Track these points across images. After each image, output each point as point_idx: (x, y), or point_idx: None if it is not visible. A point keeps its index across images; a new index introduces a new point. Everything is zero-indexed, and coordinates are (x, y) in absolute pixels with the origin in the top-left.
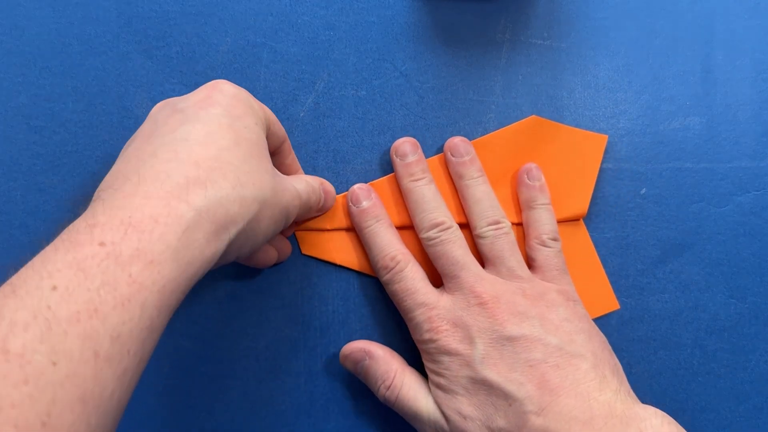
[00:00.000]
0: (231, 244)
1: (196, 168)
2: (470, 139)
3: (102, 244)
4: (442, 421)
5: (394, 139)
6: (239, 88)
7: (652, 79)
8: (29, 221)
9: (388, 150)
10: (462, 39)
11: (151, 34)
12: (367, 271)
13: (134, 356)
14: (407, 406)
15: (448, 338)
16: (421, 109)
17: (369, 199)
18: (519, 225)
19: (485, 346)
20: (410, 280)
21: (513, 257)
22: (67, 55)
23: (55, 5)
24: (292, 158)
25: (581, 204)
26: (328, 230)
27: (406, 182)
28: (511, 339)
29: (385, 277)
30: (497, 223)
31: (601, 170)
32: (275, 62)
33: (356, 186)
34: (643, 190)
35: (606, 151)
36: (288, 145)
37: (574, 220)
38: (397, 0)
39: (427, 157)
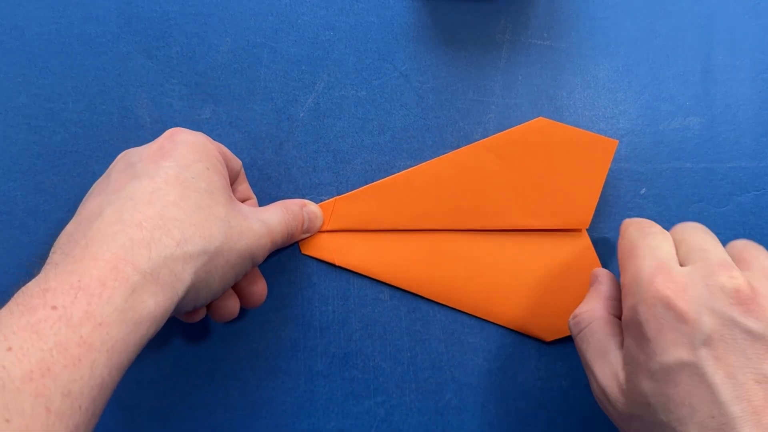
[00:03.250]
0: (182, 299)
1: (140, 229)
2: (470, 140)
3: (54, 307)
4: (620, 396)
5: (394, 139)
6: (195, 133)
7: (651, 79)
8: (29, 221)
9: (388, 150)
10: (462, 39)
11: (151, 34)
12: (364, 272)
13: (85, 412)
14: (586, 350)
15: (673, 295)
16: (421, 109)
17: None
18: (524, 231)
19: (714, 327)
20: (659, 240)
21: (766, 259)
22: (67, 55)
23: (55, 5)
24: (244, 186)
25: (585, 214)
26: (327, 231)
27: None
28: (750, 334)
29: (632, 231)
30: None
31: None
32: (275, 62)
33: (635, 220)
34: (643, 190)
35: None
36: (242, 173)
37: (576, 230)
38: (397, 0)
39: (429, 158)
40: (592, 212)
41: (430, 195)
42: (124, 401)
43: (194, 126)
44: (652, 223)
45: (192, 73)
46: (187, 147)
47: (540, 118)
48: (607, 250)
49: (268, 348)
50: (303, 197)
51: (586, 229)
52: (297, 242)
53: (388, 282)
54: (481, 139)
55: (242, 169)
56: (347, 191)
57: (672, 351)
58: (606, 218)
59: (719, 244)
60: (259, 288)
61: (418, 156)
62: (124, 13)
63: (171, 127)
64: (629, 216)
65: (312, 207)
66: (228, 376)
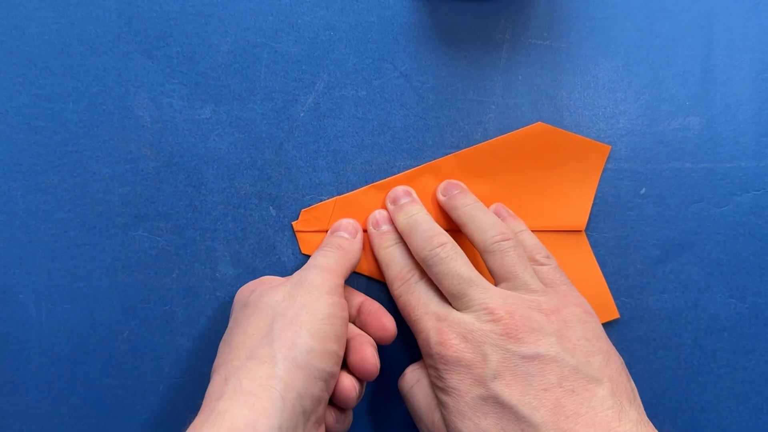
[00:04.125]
0: (297, 375)
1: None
2: (470, 140)
3: None
4: None
5: (395, 139)
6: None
7: (651, 79)
8: (29, 221)
9: (388, 150)
10: (462, 39)
11: (151, 34)
12: (365, 272)
13: None
14: (414, 406)
15: (458, 353)
16: (421, 109)
17: (388, 224)
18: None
19: (498, 363)
20: (424, 291)
21: (526, 271)
22: (67, 55)
23: (56, 5)
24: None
25: (580, 216)
26: (327, 231)
27: (402, 218)
28: (526, 358)
29: (399, 288)
30: (504, 235)
31: (602, 170)
32: (275, 62)
33: (376, 212)
34: (643, 190)
35: None
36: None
37: (572, 231)
38: (397, 0)
39: (429, 158)
40: (588, 214)
41: (430, 196)
42: (124, 401)
43: (194, 126)
44: (403, 260)
45: (192, 73)
46: (241, 292)
47: (539, 123)
48: (606, 251)
49: None
50: (303, 197)
51: (586, 229)
52: (297, 243)
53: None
54: (480, 139)
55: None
56: (347, 191)
57: (472, 391)
58: (606, 218)
59: (463, 266)
60: (385, 322)
61: (418, 156)
62: (124, 13)
63: (171, 127)
64: (629, 216)
65: (337, 225)
66: None
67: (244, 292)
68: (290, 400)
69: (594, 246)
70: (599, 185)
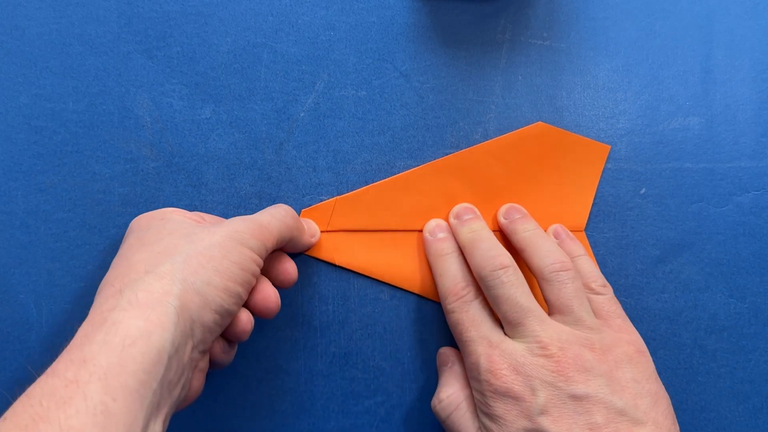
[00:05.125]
0: (191, 306)
1: (111, 286)
2: (470, 140)
3: (49, 375)
4: None
5: (395, 139)
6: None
7: (651, 79)
8: (29, 221)
9: (388, 150)
10: (462, 39)
11: (151, 34)
12: (364, 272)
13: None
14: (455, 431)
15: (508, 384)
16: (421, 109)
17: (445, 232)
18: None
19: (546, 399)
20: (479, 311)
21: (582, 306)
22: (67, 55)
23: (56, 5)
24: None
25: (580, 216)
26: (327, 231)
27: (465, 233)
28: (574, 397)
29: (453, 304)
30: (563, 265)
31: (602, 170)
32: (275, 62)
33: (433, 220)
34: (643, 190)
35: None
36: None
37: (573, 231)
38: (397, 0)
39: (429, 158)
40: (587, 214)
41: (430, 196)
42: None
43: (194, 126)
44: (462, 279)
45: (192, 73)
46: (137, 220)
47: (539, 122)
48: (606, 251)
49: (268, 348)
50: (303, 197)
51: (586, 229)
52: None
53: (388, 282)
54: (480, 139)
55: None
56: (347, 191)
57: (518, 423)
58: (606, 218)
59: (523, 294)
60: (288, 266)
61: (418, 156)
62: (124, 14)
63: (171, 127)
64: (629, 216)
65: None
66: (228, 376)
67: (147, 219)
68: (183, 320)
69: (594, 246)
70: (599, 185)
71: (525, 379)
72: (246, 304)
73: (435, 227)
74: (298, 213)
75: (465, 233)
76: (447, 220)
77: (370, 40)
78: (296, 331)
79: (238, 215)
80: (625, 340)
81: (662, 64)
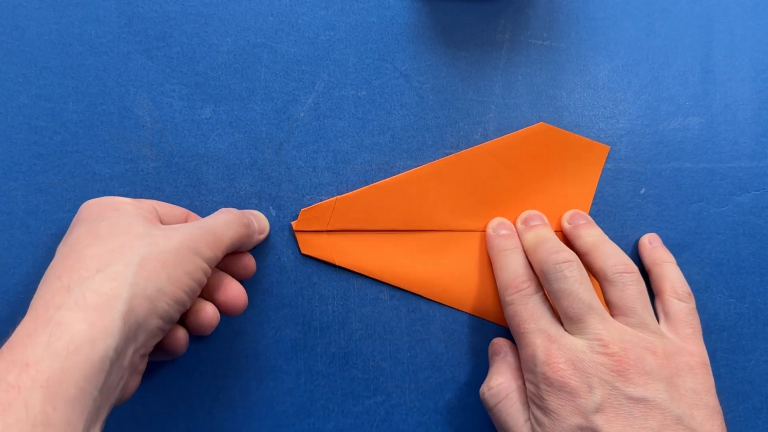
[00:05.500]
0: (137, 312)
1: (58, 279)
2: (470, 140)
3: None
4: None
5: (394, 139)
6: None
7: (651, 79)
8: (29, 221)
9: (388, 150)
10: (462, 39)
11: (151, 34)
12: (364, 272)
13: None
14: (502, 420)
15: (564, 378)
16: (421, 109)
17: (509, 230)
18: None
19: (603, 398)
20: (538, 305)
21: (645, 309)
22: (67, 55)
23: (56, 5)
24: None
25: None
26: (327, 231)
27: (531, 236)
28: (632, 399)
29: (512, 296)
30: (627, 267)
31: (602, 170)
32: (275, 62)
33: (497, 218)
34: (643, 190)
35: None
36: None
37: None
38: (397, 0)
39: (429, 158)
40: (587, 214)
41: (430, 196)
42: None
43: (194, 126)
44: (525, 273)
45: (192, 73)
46: (89, 207)
47: (541, 123)
48: None
49: (268, 348)
50: (303, 197)
51: None
52: (297, 243)
53: (388, 282)
54: (480, 139)
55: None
56: (347, 191)
57: (571, 419)
58: (606, 218)
59: (586, 291)
60: (246, 261)
61: (418, 156)
62: (124, 14)
63: (171, 127)
64: (629, 216)
65: (251, 211)
66: (228, 376)
67: (99, 207)
68: (129, 325)
69: None
70: (599, 185)
71: (582, 375)
72: (214, 301)
73: (498, 225)
74: (297, 213)
75: (530, 237)
76: (444, 220)
77: (370, 40)
78: (296, 331)
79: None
80: (689, 350)
81: (662, 64)
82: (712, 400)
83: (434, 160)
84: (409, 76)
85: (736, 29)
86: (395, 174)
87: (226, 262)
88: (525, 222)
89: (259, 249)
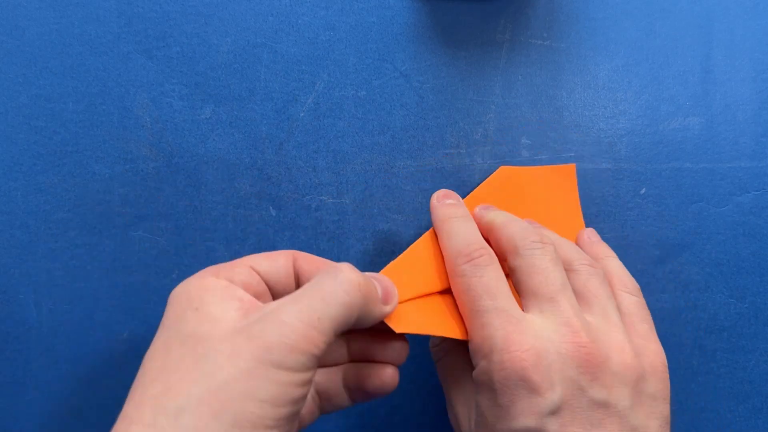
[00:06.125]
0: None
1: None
2: (470, 140)
3: None
4: None
5: (395, 139)
6: (182, 283)
7: (651, 79)
8: (29, 221)
9: (388, 150)
10: (462, 39)
11: (151, 34)
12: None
13: None
14: (442, 377)
15: (525, 371)
16: (421, 109)
17: (455, 199)
18: None
19: (564, 398)
20: (494, 278)
21: (610, 300)
22: (67, 55)
23: (56, 5)
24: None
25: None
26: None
27: (495, 214)
28: (594, 403)
29: (463, 266)
30: (591, 263)
31: (601, 170)
32: (275, 62)
33: (442, 190)
34: (643, 190)
35: (606, 151)
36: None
37: None
38: (397, 0)
39: (429, 158)
40: (583, 226)
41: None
42: (123, 401)
43: (194, 126)
44: (472, 235)
45: (192, 73)
46: (180, 296)
47: (501, 167)
48: None
49: None
50: (303, 197)
51: (586, 226)
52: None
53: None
54: (480, 139)
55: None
56: (347, 191)
57: (521, 419)
58: (606, 218)
59: (561, 272)
60: (385, 374)
61: (418, 156)
62: (124, 14)
63: (171, 127)
64: (629, 216)
65: (376, 275)
66: None
67: (184, 302)
68: None
69: None
70: (600, 185)
71: (545, 369)
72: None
73: (444, 195)
74: (297, 213)
75: (500, 215)
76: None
77: (370, 40)
78: None
79: (238, 215)
80: (652, 350)
81: (662, 64)
82: (666, 408)
83: (434, 159)
84: (409, 76)
85: (736, 29)
86: (395, 173)
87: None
88: (487, 207)
89: (259, 249)
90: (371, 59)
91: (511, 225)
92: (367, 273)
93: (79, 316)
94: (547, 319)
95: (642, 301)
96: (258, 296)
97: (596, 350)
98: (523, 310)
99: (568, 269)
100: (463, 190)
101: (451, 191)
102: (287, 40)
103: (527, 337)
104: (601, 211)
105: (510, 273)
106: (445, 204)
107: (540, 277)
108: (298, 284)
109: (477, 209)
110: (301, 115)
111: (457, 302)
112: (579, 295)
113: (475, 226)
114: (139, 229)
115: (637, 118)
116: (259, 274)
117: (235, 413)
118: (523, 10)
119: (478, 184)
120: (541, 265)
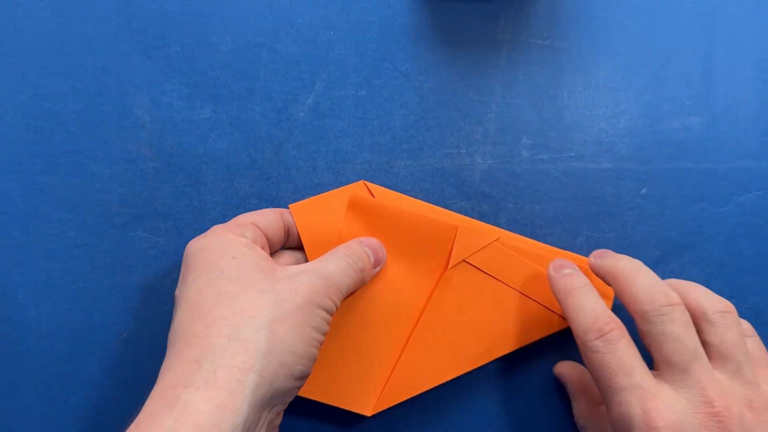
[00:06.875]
0: (270, 373)
1: (189, 348)
2: (470, 140)
3: None
4: None
5: (394, 139)
6: (207, 233)
7: (652, 79)
8: (29, 221)
9: (388, 150)
10: (462, 39)
11: (150, 33)
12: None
13: None
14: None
15: None
16: (421, 109)
17: (572, 268)
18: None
19: None
20: (628, 353)
21: (745, 355)
22: (66, 54)
23: (55, 5)
24: (290, 253)
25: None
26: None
27: (621, 264)
28: None
29: (595, 342)
30: (728, 307)
31: (602, 170)
32: (275, 62)
33: (558, 259)
34: (644, 190)
35: (606, 151)
36: (290, 233)
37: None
38: (397, 0)
39: (429, 158)
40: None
41: (441, 347)
42: (123, 401)
43: (194, 126)
44: (610, 319)
45: (192, 73)
46: (201, 251)
47: (291, 205)
48: None
49: None
50: (303, 197)
51: (586, 226)
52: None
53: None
54: (481, 139)
55: (286, 232)
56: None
57: None
58: (606, 218)
59: (692, 336)
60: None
61: (418, 156)
62: (123, 13)
63: (170, 126)
64: (629, 216)
65: (369, 240)
66: None
67: (215, 255)
68: (260, 395)
69: (594, 246)
70: (600, 185)
71: None
72: None
73: (560, 265)
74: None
75: (621, 264)
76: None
77: (370, 40)
78: None
79: (237, 215)
80: None
81: (663, 63)
82: None
83: (434, 159)
84: (409, 76)
85: (737, 29)
86: (395, 173)
87: None
88: (598, 256)
89: None
90: (371, 59)
91: (635, 282)
92: (360, 239)
93: (78, 317)
94: (681, 389)
95: (758, 339)
96: (263, 247)
97: (729, 416)
98: (656, 375)
99: (701, 320)
100: (464, 190)
101: (566, 260)
102: (287, 39)
103: (663, 413)
104: (602, 211)
105: (641, 336)
106: (564, 275)
107: (671, 346)
108: (287, 235)
109: (591, 259)
110: (301, 115)
111: (592, 376)
112: (714, 351)
113: (598, 294)
114: (139, 229)
115: (638, 118)
116: (259, 228)
117: (299, 333)
118: (524, 10)
119: (478, 184)
120: (671, 332)
